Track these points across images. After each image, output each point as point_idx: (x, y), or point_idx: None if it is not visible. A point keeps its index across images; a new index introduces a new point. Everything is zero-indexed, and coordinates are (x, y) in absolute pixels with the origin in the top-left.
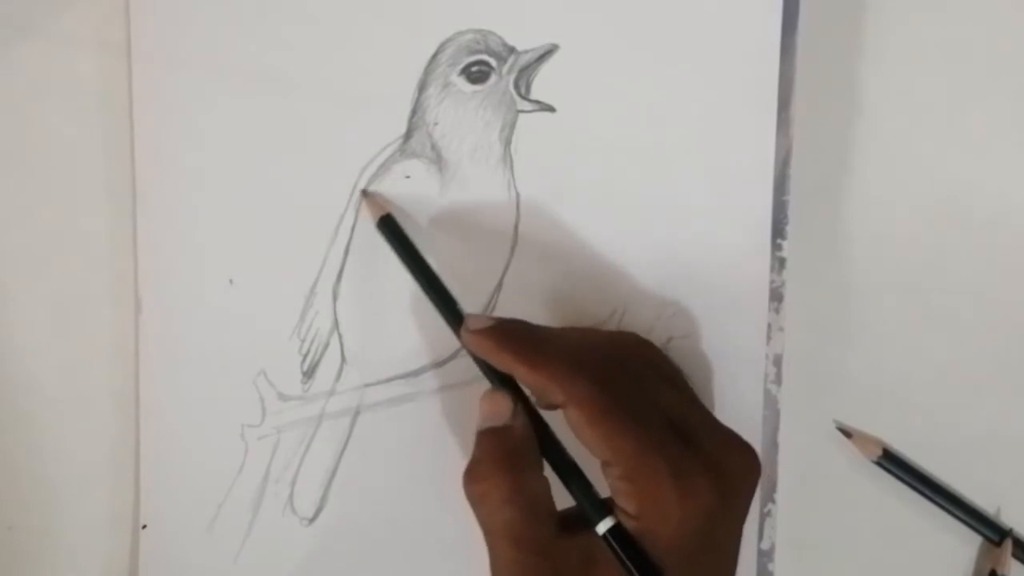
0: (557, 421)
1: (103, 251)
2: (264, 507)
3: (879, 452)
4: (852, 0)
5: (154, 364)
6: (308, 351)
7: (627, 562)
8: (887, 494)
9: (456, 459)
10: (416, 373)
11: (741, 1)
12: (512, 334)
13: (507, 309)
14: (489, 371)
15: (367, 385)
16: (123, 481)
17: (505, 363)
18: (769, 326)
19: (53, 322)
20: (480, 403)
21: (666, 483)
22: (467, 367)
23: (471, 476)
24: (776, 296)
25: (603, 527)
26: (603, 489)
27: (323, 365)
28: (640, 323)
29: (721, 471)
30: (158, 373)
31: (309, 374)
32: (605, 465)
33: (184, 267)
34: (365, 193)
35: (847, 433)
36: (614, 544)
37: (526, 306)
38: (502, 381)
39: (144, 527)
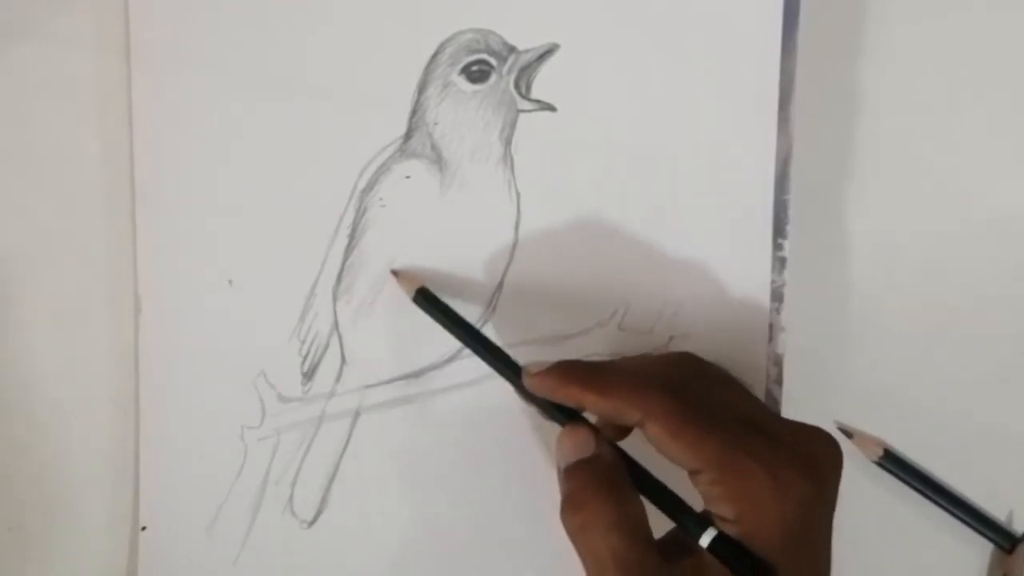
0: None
1: (103, 251)
2: (264, 509)
3: (880, 452)
4: (852, 0)
5: (154, 365)
6: (308, 352)
7: (739, 569)
8: (888, 495)
9: (456, 460)
10: (417, 374)
11: (741, 1)
12: (573, 367)
13: (508, 309)
14: (558, 413)
15: (367, 386)
16: (123, 482)
17: (573, 396)
18: (770, 326)
19: (53, 323)
20: (559, 441)
21: (759, 479)
22: (467, 369)
23: (570, 506)
24: (777, 296)
25: (706, 539)
26: (695, 505)
27: (323, 366)
28: (640, 323)
29: (808, 461)
30: (158, 374)
31: (309, 375)
32: (694, 474)
33: (184, 268)
34: (395, 272)
35: (848, 433)
36: (721, 553)
37: (527, 306)
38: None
39: (144, 529)
